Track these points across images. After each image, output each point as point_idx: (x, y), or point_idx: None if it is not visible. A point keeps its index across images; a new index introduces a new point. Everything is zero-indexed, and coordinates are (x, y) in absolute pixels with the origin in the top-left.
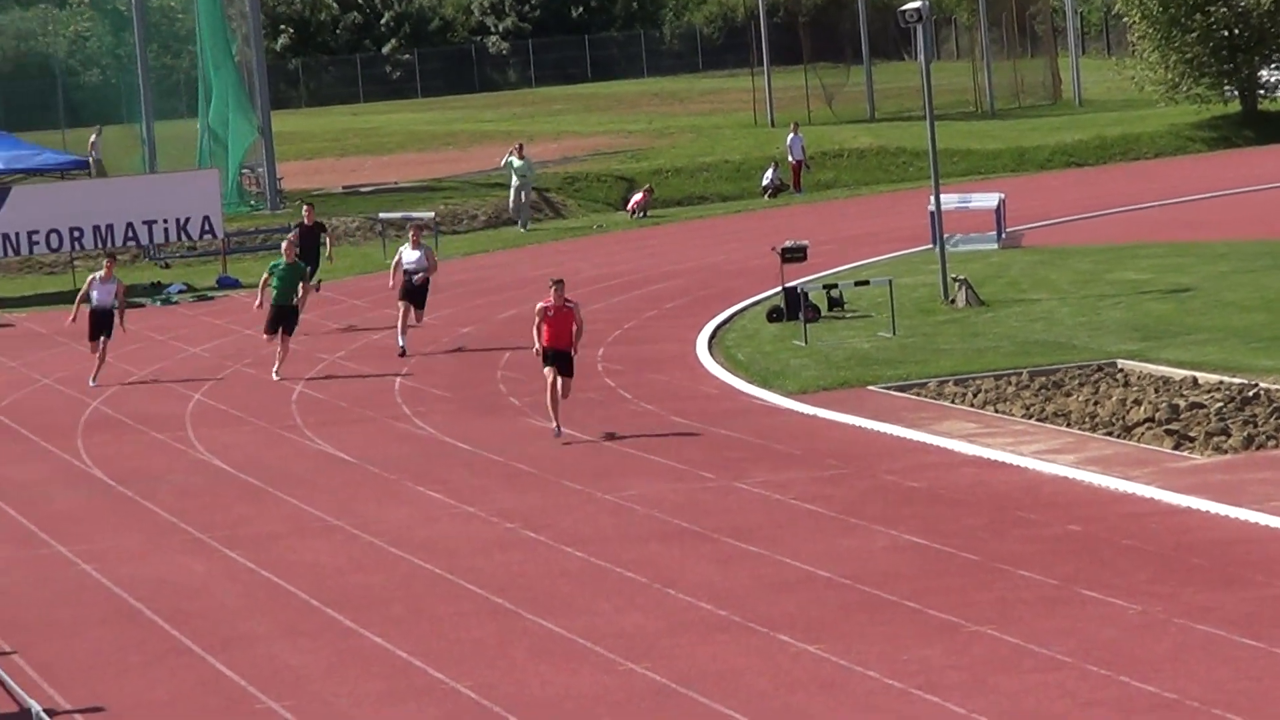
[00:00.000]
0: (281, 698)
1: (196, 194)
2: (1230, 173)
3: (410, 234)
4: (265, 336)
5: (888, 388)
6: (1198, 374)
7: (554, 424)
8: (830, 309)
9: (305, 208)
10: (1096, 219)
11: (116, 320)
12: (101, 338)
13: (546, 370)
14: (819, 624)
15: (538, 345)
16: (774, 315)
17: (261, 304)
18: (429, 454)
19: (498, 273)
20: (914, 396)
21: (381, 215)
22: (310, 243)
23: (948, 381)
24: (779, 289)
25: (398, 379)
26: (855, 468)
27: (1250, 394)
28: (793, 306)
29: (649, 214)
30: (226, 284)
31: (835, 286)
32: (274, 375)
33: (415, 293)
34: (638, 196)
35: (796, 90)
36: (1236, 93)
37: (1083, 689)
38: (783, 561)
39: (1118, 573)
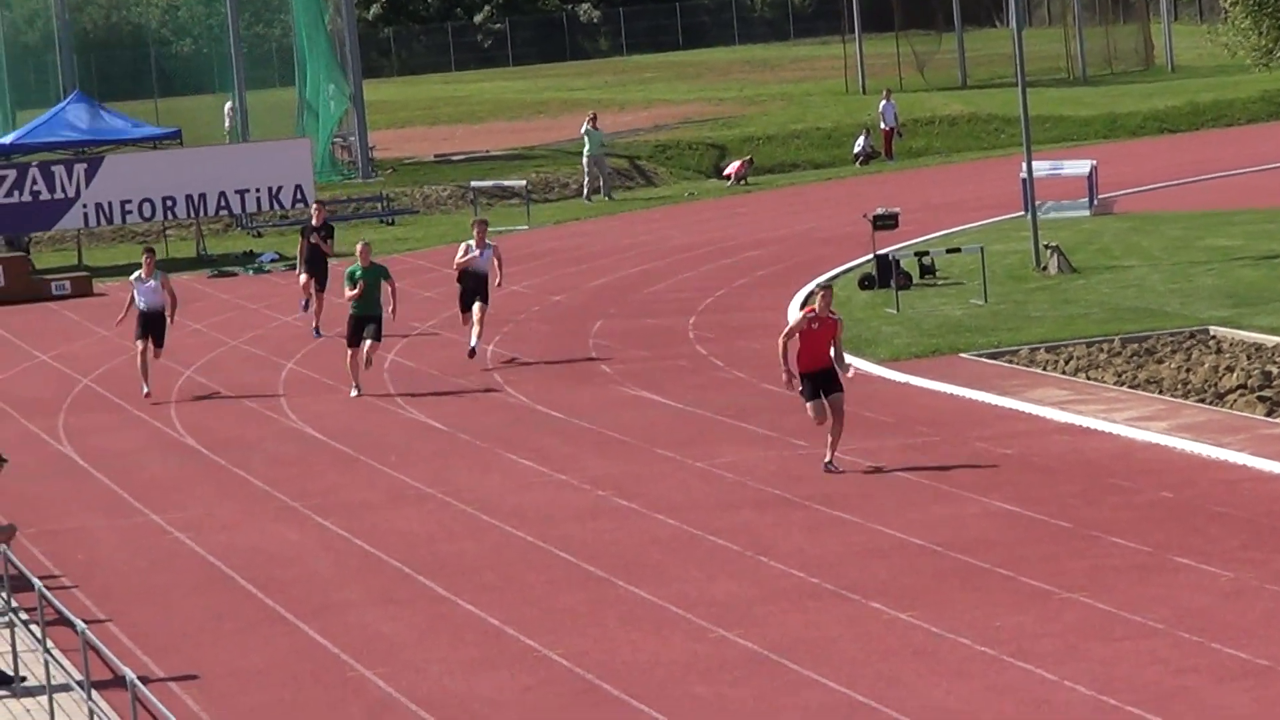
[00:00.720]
0: (373, 665)
1: (289, 163)
2: None
3: (475, 231)
4: (349, 351)
5: (979, 355)
6: None
7: (828, 456)
8: (921, 276)
9: (315, 207)
10: (1188, 185)
11: (168, 321)
12: (149, 339)
13: (811, 406)
14: (911, 591)
15: (787, 371)
16: (865, 282)
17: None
18: (522, 422)
19: (589, 240)
20: (1005, 364)
21: (473, 183)
22: (317, 255)
23: (1039, 349)
24: (870, 256)
25: (489, 348)
26: (946, 435)
27: None
28: (884, 274)
29: (747, 182)
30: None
31: (927, 254)
32: (353, 392)
33: (468, 296)
34: (735, 165)
35: (888, 57)
36: None
37: (1175, 656)
38: (874, 529)
39: (1209, 540)
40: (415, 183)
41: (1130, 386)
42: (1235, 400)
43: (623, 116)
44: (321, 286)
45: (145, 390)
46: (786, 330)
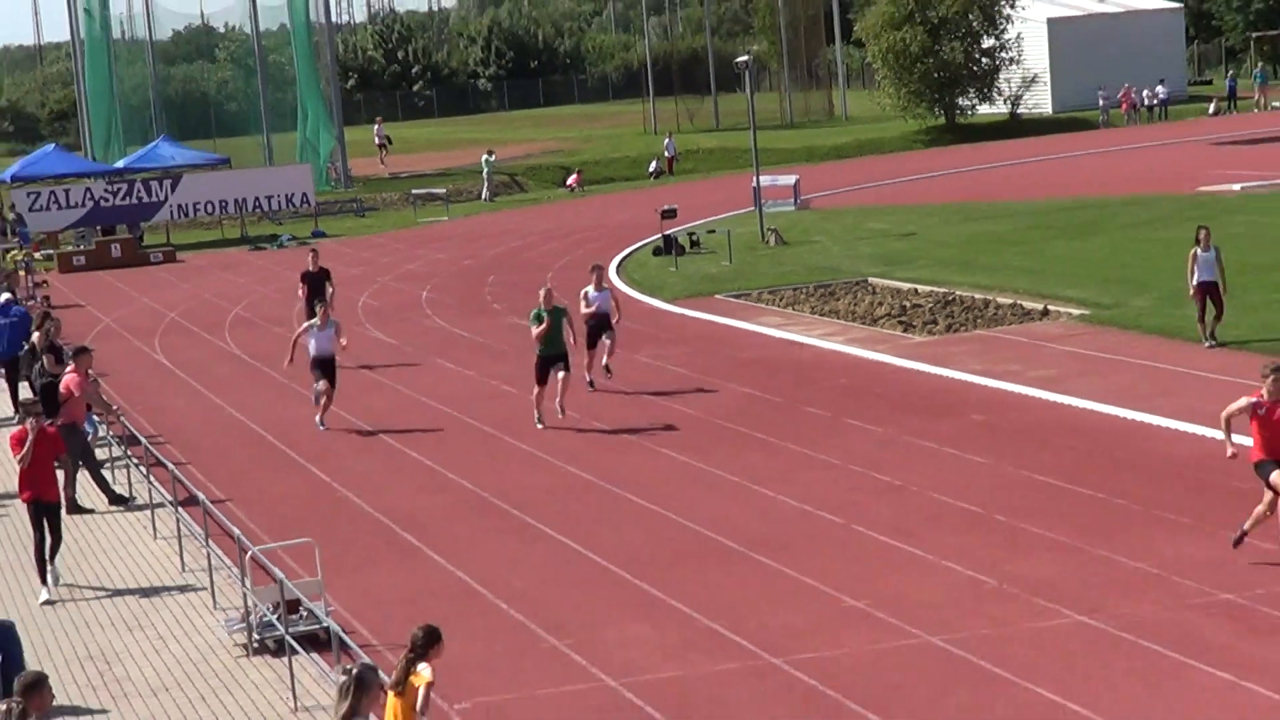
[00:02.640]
0: (352, 489)
1: (298, 178)
2: (938, 162)
3: (593, 277)
4: (536, 390)
5: (728, 296)
6: (918, 286)
7: None
8: (691, 248)
9: (311, 253)
10: (856, 191)
11: (338, 359)
12: (324, 382)
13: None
14: (697, 443)
15: (1230, 445)
16: (657, 252)
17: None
18: (443, 341)
19: (486, 227)
20: (743, 301)
21: (413, 191)
22: (319, 288)
23: (764, 292)
24: (660, 235)
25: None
26: (709, 346)
27: (950, 298)
28: (668, 246)
29: (584, 188)
30: (318, 234)
31: (695, 233)
32: (545, 420)
33: (593, 334)
34: (574, 176)
35: (670, 111)
36: (943, 112)
37: (847, 480)
38: (669, 406)
39: (869, 409)
40: (377, 191)
41: (820, 315)
42: (884, 323)
43: (505, 149)
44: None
45: (321, 427)
46: (1233, 410)
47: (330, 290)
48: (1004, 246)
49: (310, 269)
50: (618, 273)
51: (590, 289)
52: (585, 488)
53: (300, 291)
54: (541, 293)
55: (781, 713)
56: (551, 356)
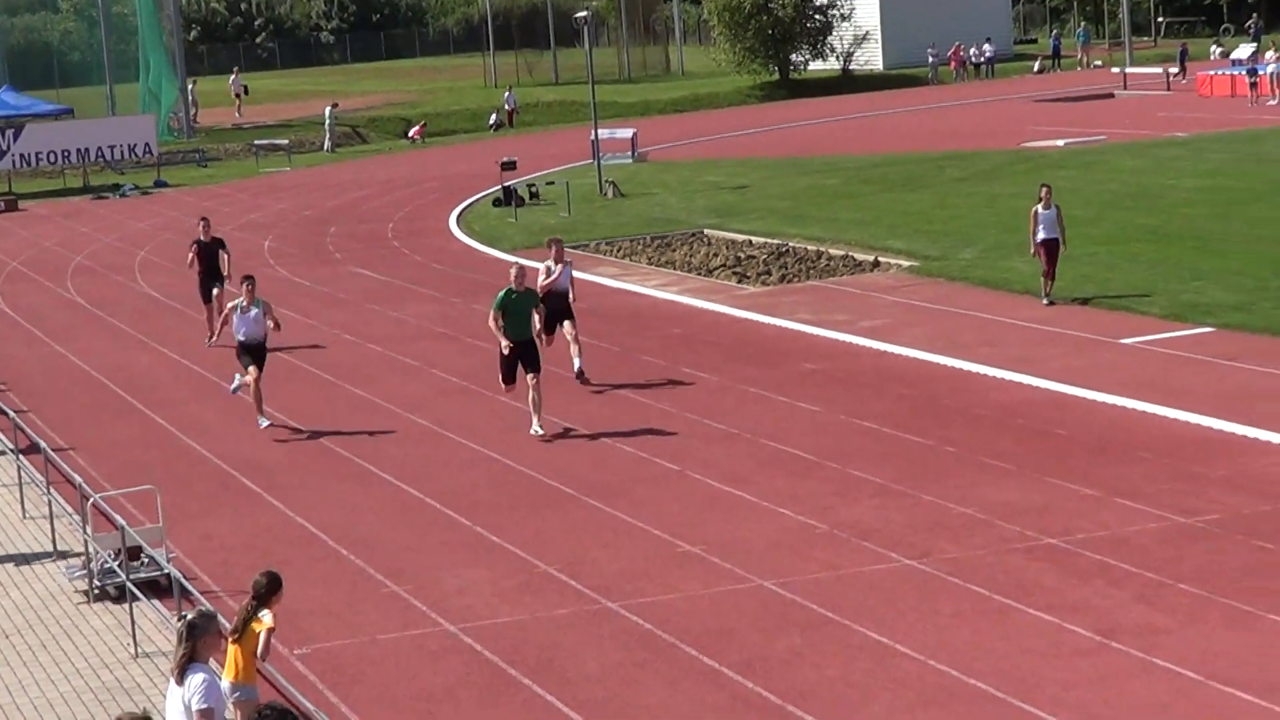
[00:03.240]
0: (194, 437)
1: (140, 128)
2: (771, 117)
3: (552, 250)
4: (504, 388)
5: (567, 247)
6: (752, 238)
7: None
8: (530, 199)
9: (201, 222)
10: (692, 145)
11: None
12: (255, 369)
13: None
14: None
15: None
16: (496, 203)
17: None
18: (287, 290)
19: (328, 177)
20: (581, 252)
21: (256, 142)
22: (211, 260)
23: (601, 242)
24: (499, 187)
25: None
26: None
27: (783, 250)
28: (508, 197)
29: (425, 140)
30: (160, 184)
31: (534, 185)
32: (537, 429)
33: (552, 318)
34: (415, 128)
35: (510, 65)
36: (776, 68)
37: (681, 427)
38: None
39: (703, 356)
40: (220, 142)
41: (656, 265)
42: (718, 273)
43: (348, 101)
44: (216, 295)
45: (263, 424)
46: None
47: (227, 260)
48: (835, 200)
49: (202, 238)
50: (457, 224)
51: (550, 262)
52: (423, 434)
53: (191, 259)
54: (512, 271)
55: (617, 656)
56: (518, 344)
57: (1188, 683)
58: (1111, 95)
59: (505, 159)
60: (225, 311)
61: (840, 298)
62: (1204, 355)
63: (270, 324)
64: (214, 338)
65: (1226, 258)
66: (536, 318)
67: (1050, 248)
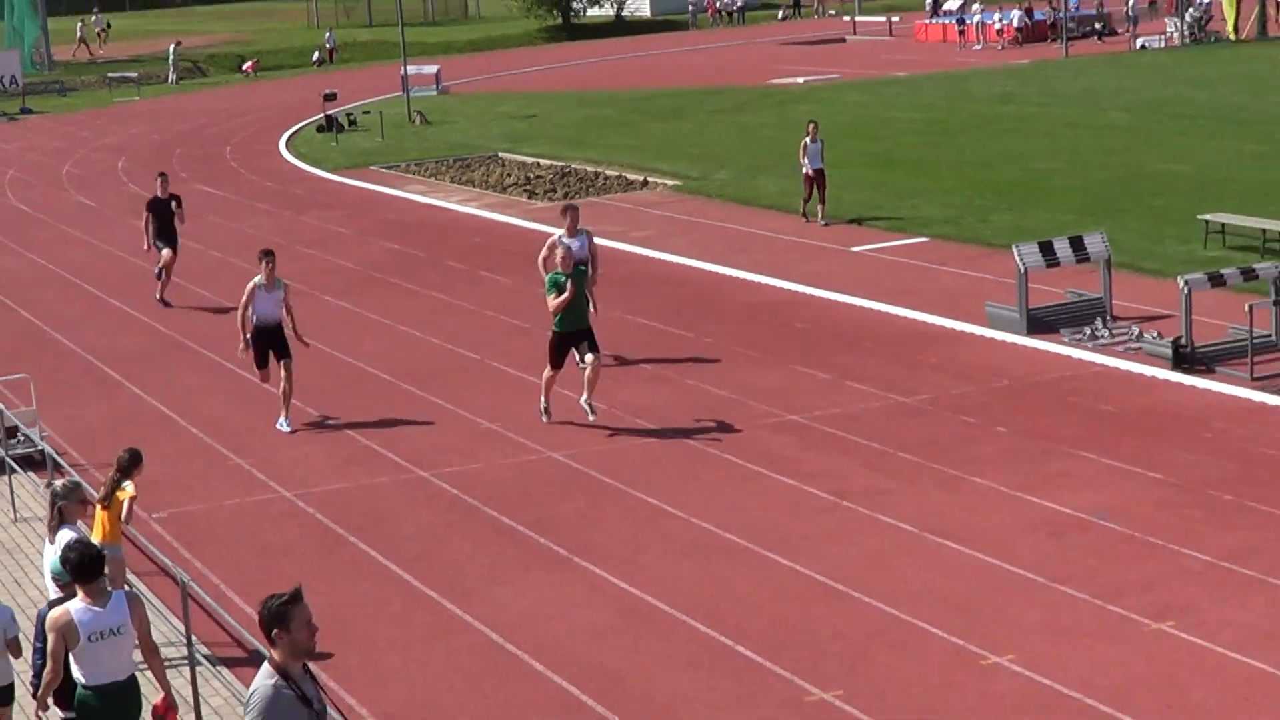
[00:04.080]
0: (65, 333)
1: (6, 62)
2: (554, 56)
3: (566, 219)
4: (549, 372)
5: (381, 167)
6: (540, 160)
7: None
8: (349, 126)
9: (159, 178)
10: (487, 80)
11: (289, 332)
12: (272, 358)
13: None
14: (355, 288)
15: None
16: (320, 129)
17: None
18: (132, 206)
19: (173, 106)
20: (393, 172)
21: (109, 75)
22: (165, 218)
23: (410, 164)
24: (322, 115)
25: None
26: (365, 209)
27: (566, 171)
28: (330, 125)
29: (257, 74)
30: (26, 111)
31: (352, 114)
32: (586, 406)
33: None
34: (249, 64)
35: (330, 8)
36: (559, 13)
37: (481, 321)
38: (330, 260)
39: (501, 262)
40: (78, 74)
41: (458, 184)
42: (511, 190)
43: (190, 39)
44: (174, 253)
45: (287, 428)
46: None
47: (180, 216)
48: (610, 128)
49: (159, 194)
50: (286, 147)
51: (562, 234)
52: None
53: (145, 221)
54: (559, 252)
55: (429, 517)
56: (575, 333)
57: (906, 535)
58: (843, 40)
59: (327, 91)
60: (246, 295)
61: (616, 212)
62: (920, 261)
63: (284, 311)
64: (161, 294)
65: (938, 179)
66: (592, 299)
67: (819, 177)
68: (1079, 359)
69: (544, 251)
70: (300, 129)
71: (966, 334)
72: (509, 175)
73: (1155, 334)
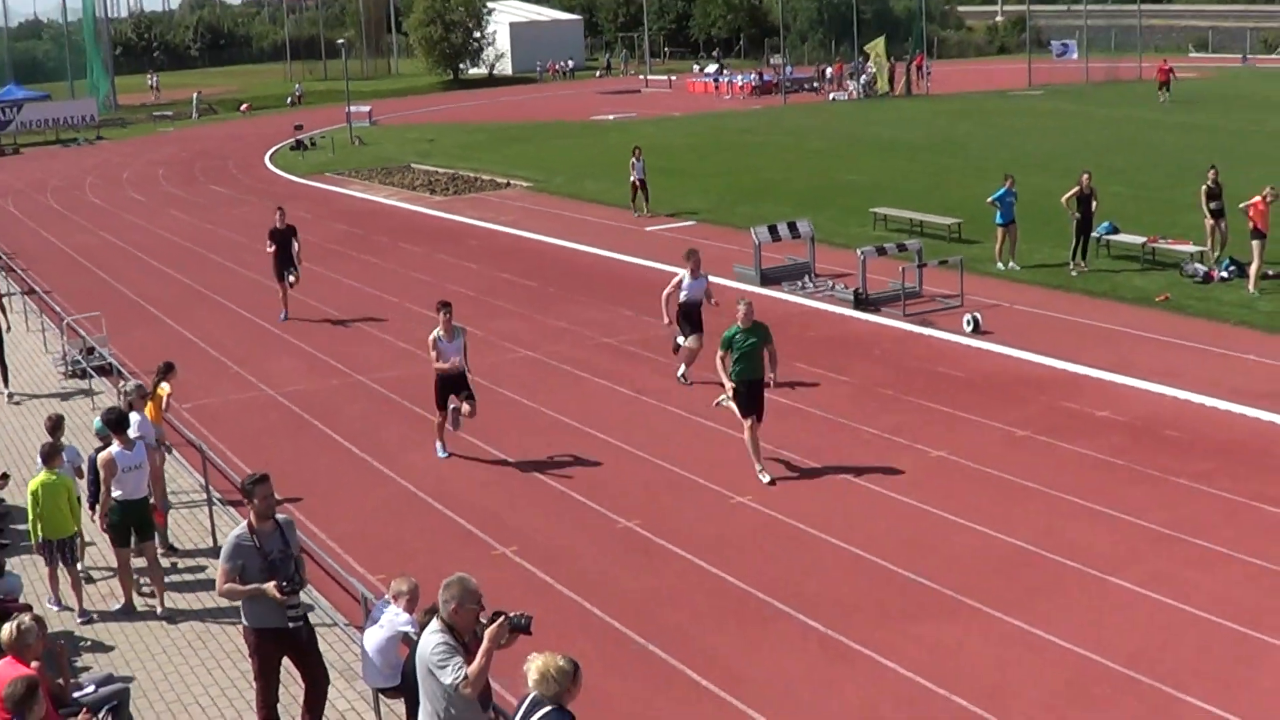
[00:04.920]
0: (120, 282)
1: (87, 106)
2: (448, 100)
3: (691, 261)
4: (746, 421)
5: (332, 173)
6: (438, 169)
7: None
8: (311, 146)
9: (278, 212)
10: (403, 115)
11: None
12: (454, 401)
13: None
14: (327, 256)
15: None
16: (292, 148)
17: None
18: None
19: (194, 134)
20: (341, 176)
21: (154, 113)
22: (284, 246)
23: (352, 171)
24: (294, 139)
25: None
26: (323, 202)
27: (456, 176)
28: (299, 145)
29: (252, 112)
30: (99, 138)
31: (314, 138)
32: (762, 476)
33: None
34: (245, 105)
35: (300, 68)
36: (452, 71)
37: (394, 277)
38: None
39: (408, 237)
40: (133, 114)
41: (383, 184)
42: (419, 189)
43: (207, 89)
44: (294, 279)
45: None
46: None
47: (297, 247)
48: (484, 148)
49: (278, 225)
50: (270, 160)
51: (686, 275)
52: (244, 283)
53: (269, 249)
54: (741, 307)
55: (367, 407)
56: (751, 382)
57: (682, 418)
58: (639, 91)
59: (297, 124)
60: (432, 349)
61: (489, 203)
62: (691, 237)
63: (462, 360)
64: (285, 314)
65: (703, 183)
66: (769, 360)
67: (644, 184)
68: (794, 302)
69: (668, 289)
70: (279, 148)
71: (723, 286)
72: (418, 179)
73: (843, 285)
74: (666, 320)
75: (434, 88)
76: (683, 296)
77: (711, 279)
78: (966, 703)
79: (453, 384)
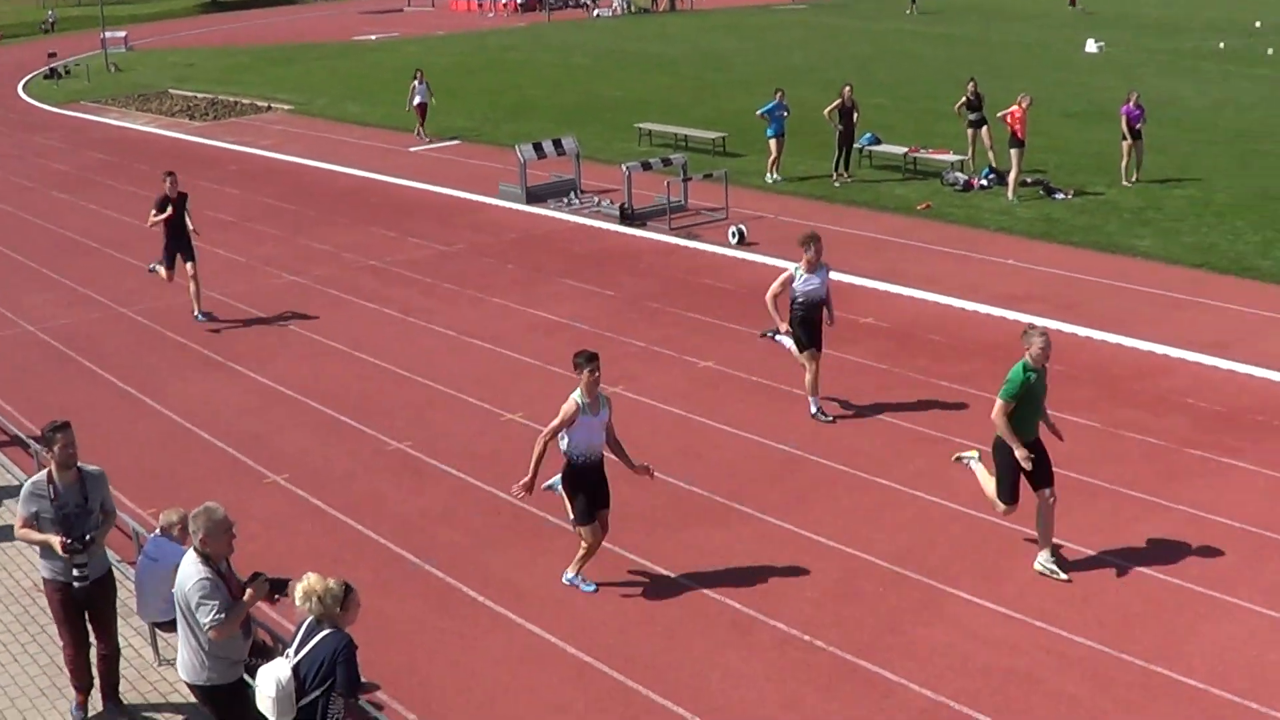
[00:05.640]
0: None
1: None
2: (205, 24)
3: (812, 247)
4: (1005, 508)
5: (87, 101)
6: (197, 93)
7: None
8: (66, 74)
9: (169, 177)
10: (160, 39)
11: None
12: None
13: None
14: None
15: None
16: (46, 77)
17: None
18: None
19: None
20: (97, 105)
21: None
22: (179, 222)
23: (109, 99)
24: (48, 68)
25: None
26: (79, 131)
27: (216, 100)
28: (53, 73)
29: (2, 40)
30: None
31: (68, 66)
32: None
33: (810, 329)
34: None
35: None
36: None
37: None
38: (53, 166)
39: (182, 166)
40: None
41: (141, 111)
42: (178, 115)
43: None
44: (191, 259)
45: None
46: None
47: (192, 226)
48: (244, 71)
49: (168, 193)
50: (23, 90)
51: (801, 267)
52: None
53: (155, 220)
54: (1037, 341)
55: (131, 339)
56: (1035, 443)
57: (449, 337)
58: (401, 10)
59: (51, 52)
60: (562, 419)
61: (249, 128)
62: (455, 156)
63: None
64: (198, 310)
65: (466, 101)
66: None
67: (422, 108)
68: (561, 218)
69: (776, 288)
70: (32, 77)
71: (488, 204)
72: (176, 105)
73: (608, 201)
74: (783, 328)
75: (192, 11)
76: (797, 297)
77: (479, 198)
78: (739, 604)
79: (593, 477)
